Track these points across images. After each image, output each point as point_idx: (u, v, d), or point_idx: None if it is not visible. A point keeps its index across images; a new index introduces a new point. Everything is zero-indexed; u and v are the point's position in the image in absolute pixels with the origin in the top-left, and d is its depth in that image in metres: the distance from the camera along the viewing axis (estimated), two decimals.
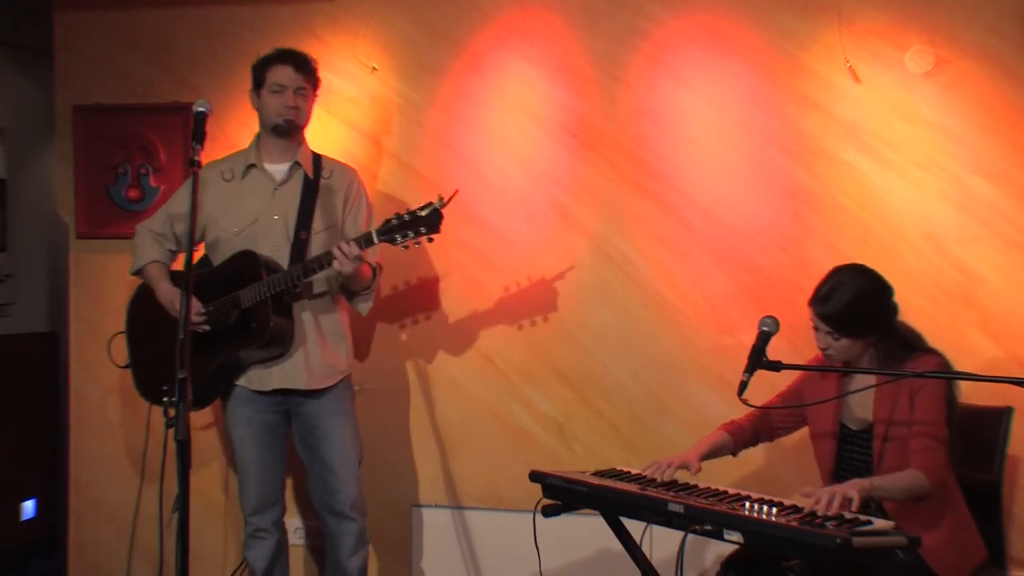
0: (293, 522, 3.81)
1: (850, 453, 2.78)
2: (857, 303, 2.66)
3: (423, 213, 3.00)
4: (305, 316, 3.32)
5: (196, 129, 2.77)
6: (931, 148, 3.45)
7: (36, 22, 4.32)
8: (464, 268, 3.80)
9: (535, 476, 2.77)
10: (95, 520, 4.06)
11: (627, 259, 3.68)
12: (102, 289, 4.03)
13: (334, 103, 3.87)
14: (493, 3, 3.77)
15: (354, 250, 3.08)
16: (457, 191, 3.07)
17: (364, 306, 3.43)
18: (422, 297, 3.83)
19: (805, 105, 3.55)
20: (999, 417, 2.87)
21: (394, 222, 3.04)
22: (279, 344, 3.25)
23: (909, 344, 2.72)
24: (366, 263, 3.26)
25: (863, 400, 2.76)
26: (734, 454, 2.98)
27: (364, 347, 3.87)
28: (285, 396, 3.33)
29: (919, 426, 2.63)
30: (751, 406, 2.62)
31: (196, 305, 3.27)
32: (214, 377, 3.31)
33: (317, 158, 3.43)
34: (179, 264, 3.48)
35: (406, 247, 3.08)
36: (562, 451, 3.72)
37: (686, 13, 3.64)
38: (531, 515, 2.72)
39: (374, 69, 3.84)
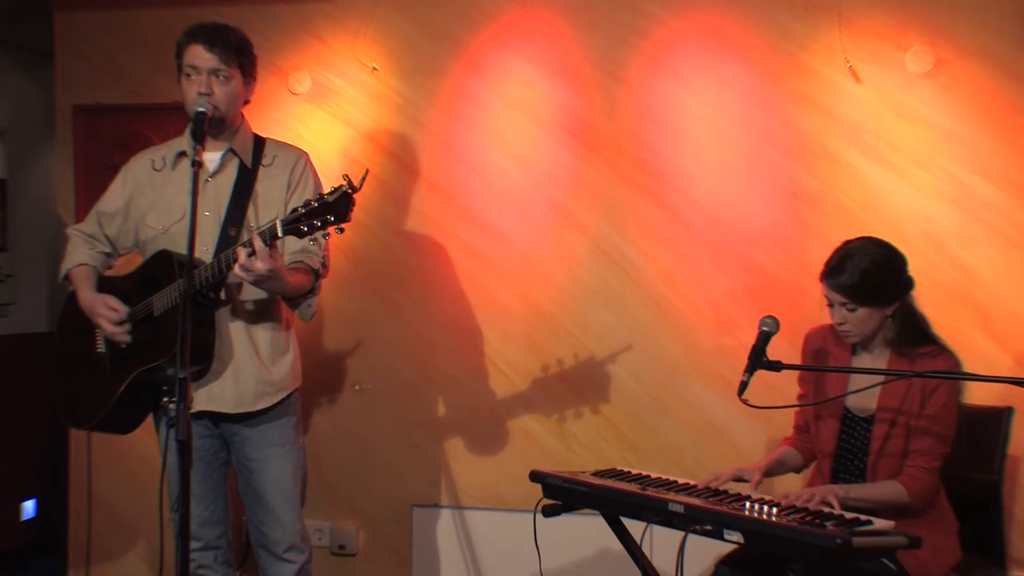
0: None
1: (851, 436, 2.75)
2: (874, 270, 2.62)
3: (331, 199, 2.50)
4: (234, 326, 2.89)
5: (196, 129, 2.77)
6: (931, 148, 3.45)
7: (36, 22, 4.31)
8: (464, 268, 3.80)
9: (535, 476, 2.76)
10: (95, 520, 4.05)
11: (627, 259, 3.67)
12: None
13: (334, 103, 3.87)
14: (493, 3, 3.77)
15: (260, 246, 2.57)
16: (368, 171, 2.58)
17: (305, 312, 2.93)
18: (422, 296, 3.83)
19: (805, 105, 3.55)
20: (999, 417, 2.87)
21: (301, 210, 2.53)
22: (195, 360, 2.78)
23: (922, 329, 2.70)
24: (301, 264, 2.84)
25: (867, 385, 2.71)
26: (798, 471, 2.93)
27: (363, 347, 3.87)
28: (215, 419, 2.93)
29: (924, 436, 2.62)
30: (751, 406, 2.62)
31: (118, 311, 2.91)
32: (131, 398, 2.91)
33: (260, 143, 3.00)
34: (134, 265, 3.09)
35: (314, 241, 2.59)
36: (562, 451, 3.72)
37: (686, 13, 3.64)
38: (531, 515, 2.71)
39: (374, 69, 3.84)
